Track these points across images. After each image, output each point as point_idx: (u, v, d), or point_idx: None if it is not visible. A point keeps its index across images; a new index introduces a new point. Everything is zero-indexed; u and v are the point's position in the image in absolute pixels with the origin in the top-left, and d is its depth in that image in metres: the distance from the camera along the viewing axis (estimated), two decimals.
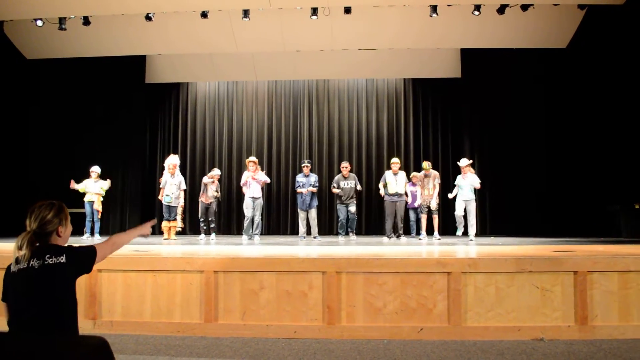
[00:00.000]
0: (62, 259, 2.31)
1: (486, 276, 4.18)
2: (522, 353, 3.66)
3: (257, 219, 9.52)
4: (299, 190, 9.87)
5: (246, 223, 9.65)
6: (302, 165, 10.07)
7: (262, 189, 10.13)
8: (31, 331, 2.16)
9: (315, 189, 9.81)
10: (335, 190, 9.92)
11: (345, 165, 10.07)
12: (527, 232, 10.75)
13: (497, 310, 4.14)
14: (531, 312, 4.13)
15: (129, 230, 2.80)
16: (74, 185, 9.84)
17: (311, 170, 10.16)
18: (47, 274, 2.27)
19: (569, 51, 11.27)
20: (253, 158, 9.81)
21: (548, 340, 3.99)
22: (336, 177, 10.14)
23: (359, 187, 9.97)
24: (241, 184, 9.82)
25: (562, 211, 11.02)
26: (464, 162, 9.32)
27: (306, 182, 9.82)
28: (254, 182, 9.50)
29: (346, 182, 9.87)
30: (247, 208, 9.59)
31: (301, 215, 9.94)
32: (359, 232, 11.23)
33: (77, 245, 2.48)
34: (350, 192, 9.85)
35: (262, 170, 10.29)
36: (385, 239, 9.27)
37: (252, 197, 9.51)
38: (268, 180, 10.00)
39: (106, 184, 10.08)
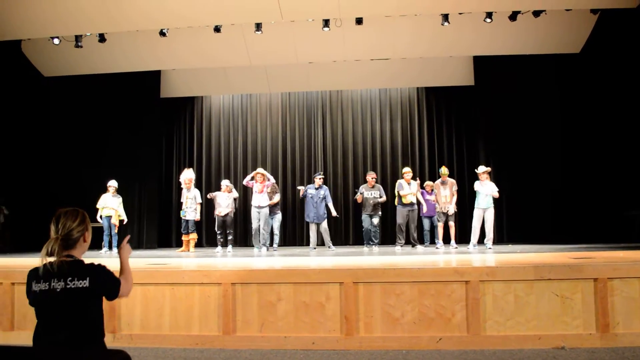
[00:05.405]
0: (84, 283, 2.29)
1: (505, 284, 4.15)
2: None
3: (261, 229, 9.54)
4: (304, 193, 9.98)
5: (254, 234, 9.70)
6: (318, 177, 10.04)
7: (274, 200, 10.15)
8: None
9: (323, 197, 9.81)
10: (359, 198, 9.81)
11: (372, 175, 9.98)
12: (545, 238, 10.62)
13: (516, 318, 4.10)
14: (551, 321, 4.08)
15: (121, 263, 2.72)
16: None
17: (326, 181, 10.13)
18: (70, 298, 2.27)
19: (583, 56, 11.16)
20: (261, 170, 9.84)
21: (569, 349, 3.94)
22: (362, 187, 10.02)
23: (383, 199, 9.81)
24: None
25: (580, 217, 10.86)
26: (482, 169, 9.26)
27: (315, 194, 9.82)
28: (258, 191, 9.59)
29: (371, 192, 9.74)
30: (253, 219, 9.69)
31: (312, 227, 9.97)
32: None
33: (103, 264, 2.43)
34: (374, 203, 9.70)
35: (270, 181, 10.23)
36: (397, 247, 9.23)
37: (258, 207, 9.56)
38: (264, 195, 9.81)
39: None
